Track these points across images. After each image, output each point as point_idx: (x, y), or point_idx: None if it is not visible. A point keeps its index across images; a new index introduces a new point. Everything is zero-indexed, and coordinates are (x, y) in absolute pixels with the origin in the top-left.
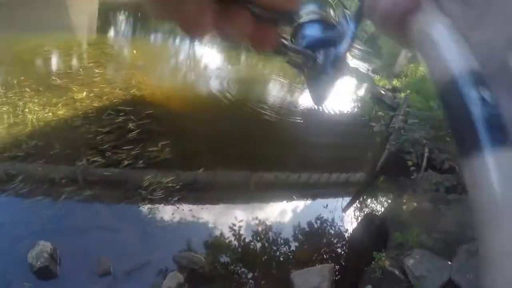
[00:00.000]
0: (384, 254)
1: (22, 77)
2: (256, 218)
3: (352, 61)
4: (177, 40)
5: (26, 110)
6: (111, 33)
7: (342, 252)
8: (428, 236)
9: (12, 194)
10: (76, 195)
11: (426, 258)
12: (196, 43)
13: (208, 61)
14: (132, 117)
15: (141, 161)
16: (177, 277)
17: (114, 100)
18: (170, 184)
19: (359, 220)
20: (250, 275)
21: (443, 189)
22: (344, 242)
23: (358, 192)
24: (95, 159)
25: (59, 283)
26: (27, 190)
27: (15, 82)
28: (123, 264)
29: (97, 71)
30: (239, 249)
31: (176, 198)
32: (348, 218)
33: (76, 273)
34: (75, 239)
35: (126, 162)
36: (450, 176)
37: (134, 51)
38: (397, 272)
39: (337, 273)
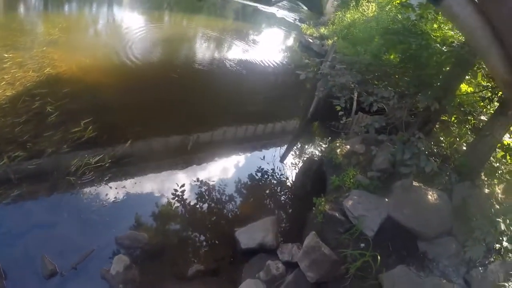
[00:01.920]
0: (323, 199)
1: None
2: (196, 179)
3: (279, 12)
4: (94, 7)
5: None
6: (19, 9)
7: (284, 202)
8: (364, 176)
9: None
10: (4, 198)
11: (363, 198)
12: (115, 7)
13: (129, 25)
14: (49, 99)
15: (65, 146)
16: (123, 260)
17: (28, 85)
18: (99, 164)
19: (297, 167)
20: (196, 240)
21: (372, 130)
22: (285, 191)
23: (294, 140)
24: (16, 154)
25: None
26: None
27: None
28: (68, 259)
29: (6, 55)
30: (182, 216)
31: (107, 177)
32: (287, 167)
33: (24, 282)
34: (14, 246)
35: (49, 150)
36: (379, 117)
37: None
38: (337, 215)
39: (280, 223)
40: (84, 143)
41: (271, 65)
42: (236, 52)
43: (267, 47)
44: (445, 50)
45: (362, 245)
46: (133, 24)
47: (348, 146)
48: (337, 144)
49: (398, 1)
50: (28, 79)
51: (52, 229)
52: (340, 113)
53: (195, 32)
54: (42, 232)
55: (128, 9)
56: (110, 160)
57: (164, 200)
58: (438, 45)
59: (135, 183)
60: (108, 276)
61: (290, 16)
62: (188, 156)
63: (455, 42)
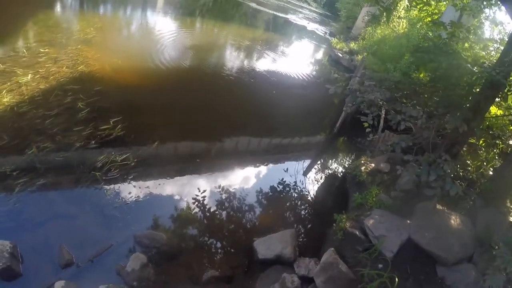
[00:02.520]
0: (344, 216)
1: None
2: (218, 186)
3: (310, 24)
4: (129, 10)
5: None
6: (57, 7)
7: (304, 215)
8: (387, 196)
9: None
10: (30, 186)
11: (385, 217)
12: (148, 11)
13: (161, 29)
14: (81, 96)
15: (93, 141)
16: (140, 258)
17: (61, 80)
18: (125, 162)
19: (320, 182)
20: (214, 246)
21: (398, 149)
22: (305, 205)
23: (318, 154)
24: (45, 145)
25: (24, 281)
26: None
27: None
28: (85, 251)
29: (42, 50)
30: (202, 220)
31: (132, 176)
32: (309, 181)
33: (40, 268)
34: (34, 232)
35: (77, 144)
36: (406, 137)
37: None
38: (357, 233)
39: (299, 237)
40: (111, 141)
41: (300, 77)
42: (265, 62)
43: (297, 59)
44: (476, 70)
45: (380, 265)
46: (165, 29)
47: (373, 164)
48: (362, 161)
49: (429, 19)
50: (61, 74)
51: (73, 220)
52: (368, 130)
53: (226, 40)
54: (63, 222)
55: (162, 13)
56: (135, 160)
57: (185, 204)
58: (469, 65)
59: (158, 184)
60: (123, 272)
61: (320, 29)
62: (211, 162)
63: (487, 62)
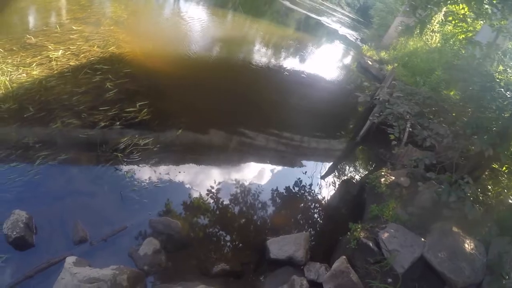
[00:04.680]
0: (360, 226)
1: None
2: (235, 180)
3: (342, 29)
4: None
5: None
6: None
7: (319, 220)
8: (404, 211)
9: None
10: (51, 159)
11: (400, 232)
12: None
13: (193, 18)
14: (110, 76)
15: (118, 123)
16: (153, 243)
17: (92, 59)
18: (147, 146)
19: (337, 188)
20: (227, 240)
21: (422, 165)
22: (320, 210)
23: (338, 160)
24: (70, 121)
25: (36, 252)
26: (0, 156)
27: None
28: (100, 230)
29: (74, 27)
30: (217, 213)
31: (153, 161)
32: (327, 186)
33: (53, 241)
34: (51, 206)
35: (102, 124)
36: (430, 154)
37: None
38: (371, 244)
39: (312, 241)
40: (136, 124)
41: (327, 80)
42: (293, 62)
43: (325, 62)
44: (508, 95)
45: (390, 280)
46: (197, 18)
47: (393, 177)
48: (382, 173)
49: (463, 36)
50: (92, 53)
51: (91, 198)
52: (393, 142)
53: (256, 35)
54: (80, 199)
55: (195, 3)
56: (158, 145)
57: (201, 194)
58: (502, 89)
59: (179, 171)
60: (135, 255)
61: (352, 35)
62: (231, 155)
63: None
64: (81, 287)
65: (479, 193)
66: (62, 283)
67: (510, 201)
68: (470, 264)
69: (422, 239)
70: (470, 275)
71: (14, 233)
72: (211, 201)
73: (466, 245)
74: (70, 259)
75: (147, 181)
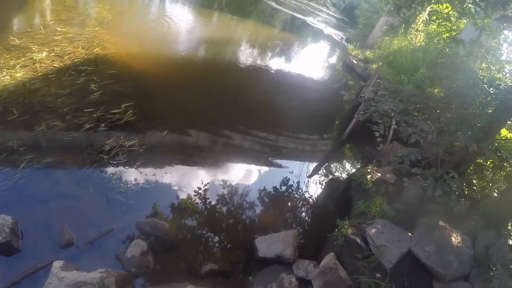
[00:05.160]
0: (347, 222)
1: None
2: (222, 180)
3: (327, 29)
4: None
5: None
6: None
7: (306, 218)
8: (390, 207)
9: None
10: (35, 163)
11: (387, 228)
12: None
13: (179, 19)
14: (94, 78)
15: (103, 124)
16: (141, 245)
17: (76, 60)
18: (133, 148)
19: (324, 186)
20: (215, 240)
21: (407, 162)
22: (308, 208)
23: (325, 158)
24: (55, 123)
25: (22, 257)
26: None
27: None
28: (86, 233)
29: (59, 29)
30: (205, 213)
31: (139, 162)
32: (313, 184)
33: (39, 246)
34: (36, 210)
35: (87, 126)
36: (415, 150)
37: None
38: (358, 241)
39: (300, 239)
40: (121, 125)
41: (313, 80)
42: (279, 62)
43: (310, 62)
44: (491, 91)
45: (378, 275)
46: (182, 19)
47: (379, 174)
48: (368, 170)
49: (447, 35)
50: (76, 54)
51: (77, 201)
52: (378, 139)
53: (242, 36)
54: (66, 202)
55: (180, 3)
56: (143, 146)
57: (188, 195)
58: (485, 85)
59: (165, 173)
60: (123, 257)
61: (337, 35)
62: (217, 155)
63: (502, 84)
64: None
65: (464, 188)
66: (50, 287)
67: (495, 194)
68: (458, 257)
69: (409, 234)
70: (458, 268)
71: (0, 239)
72: (199, 201)
73: (453, 239)
74: (57, 264)
75: (133, 183)
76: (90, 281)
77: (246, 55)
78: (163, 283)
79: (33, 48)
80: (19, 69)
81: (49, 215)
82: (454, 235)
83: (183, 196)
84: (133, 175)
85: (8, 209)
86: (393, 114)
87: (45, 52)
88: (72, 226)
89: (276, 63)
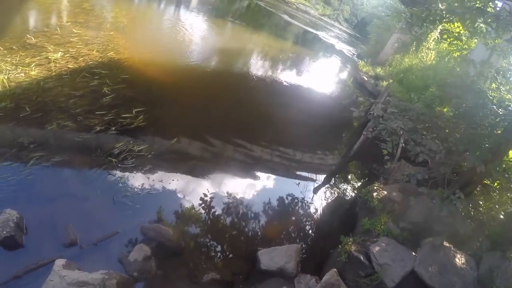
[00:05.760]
0: (351, 239)
1: None
2: (228, 191)
3: (339, 44)
4: (163, 4)
5: None
6: None
7: (310, 233)
8: (395, 226)
9: None
10: (45, 160)
11: (391, 246)
12: (182, 8)
13: (193, 27)
14: (108, 81)
15: (113, 128)
16: (144, 250)
17: (90, 62)
18: (142, 153)
19: (329, 202)
20: (218, 250)
21: (414, 181)
22: (312, 223)
23: (331, 173)
24: (66, 123)
25: (24, 253)
26: None
27: None
28: (90, 234)
29: (75, 30)
30: (209, 222)
31: (147, 168)
32: (319, 199)
33: (42, 243)
34: (43, 207)
35: (98, 128)
36: (423, 169)
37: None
38: (362, 258)
39: (303, 253)
40: (132, 130)
41: (323, 95)
42: (289, 75)
43: (322, 77)
44: (500, 112)
45: None
46: (196, 28)
47: (385, 192)
48: (375, 187)
49: (458, 54)
50: (91, 57)
51: (83, 202)
52: (386, 157)
53: (254, 47)
54: (72, 202)
55: (195, 12)
56: (152, 152)
57: (193, 203)
58: (494, 106)
59: (172, 180)
60: (125, 261)
61: (349, 50)
62: (225, 167)
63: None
64: None
65: (470, 208)
66: (51, 285)
67: (501, 216)
68: (461, 278)
69: (413, 253)
70: None
71: (4, 233)
72: (203, 210)
73: (457, 260)
74: (59, 262)
75: (140, 188)
76: (92, 281)
77: (257, 67)
78: None
79: (49, 48)
80: (34, 67)
81: (55, 213)
82: (459, 256)
83: (188, 204)
84: (140, 180)
85: (14, 204)
86: (401, 132)
87: (60, 52)
88: (77, 226)
89: (287, 76)
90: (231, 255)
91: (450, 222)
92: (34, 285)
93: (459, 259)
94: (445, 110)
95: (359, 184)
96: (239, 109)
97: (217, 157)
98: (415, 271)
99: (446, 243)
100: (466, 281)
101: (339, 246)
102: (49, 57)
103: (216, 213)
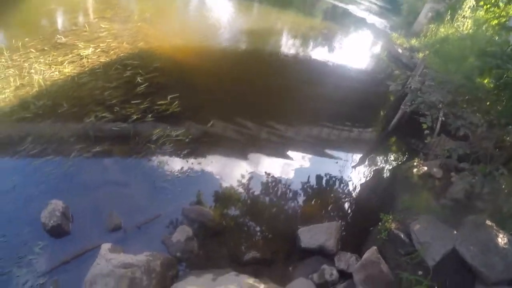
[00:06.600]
0: (391, 217)
1: (27, 39)
2: (265, 171)
3: (370, 17)
4: None
5: (32, 71)
6: None
7: (349, 210)
8: (436, 203)
9: (23, 155)
10: (85, 152)
11: (432, 224)
12: None
13: (219, 11)
14: (140, 71)
15: (150, 115)
16: (186, 231)
17: (121, 55)
18: (179, 138)
19: (368, 179)
20: (257, 229)
21: (455, 156)
22: (351, 200)
23: (369, 150)
24: (103, 114)
25: (72, 240)
26: (37, 150)
27: (20, 44)
28: (134, 218)
29: (103, 26)
30: (248, 202)
31: (185, 152)
32: (357, 176)
33: (88, 230)
34: (86, 196)
35: (134, 117)
36: (464, 144)
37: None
38: (402, 236)
39: (343, 231)
40: (167, 116)
41: (357, 70)
42: (322, 53)
43: (354, 51)
44: None
45: (420, 272)
46: (223, 11)
47: (425, 168)
48: (414, 164)
49: (496, 21)
50: (121, 49)
51: (125, 188)
52: (426, 132)
53: (282, 26)
54: (114, 189)
55: None
56: (190, 136)
57: (232, 184)
58: None
59: (211, 162)
60: (168, 242)
61: (380, 23)
62: (262, 147)
63: None
64: (116, 272)
65: None
66: (98, 268)
67: None
68: (503, 259)
69: (455, 232)
70: (503, 270)
71: (51, 222)
72: (242, 191)
73: (500, 240)
74: (105, 246)
75: (179, 172)
76: (137, 263)
77: (288, 46)
78: (206, 269)
79: (79, 45)
80: (67, 65)
81: (98, 201)
82: (501, 235)
83: (227, 185)
84: (179, 164)
85: (60, 194)
86: (440, 105)
87: (91, 48)
88: (120, 211)
89: (318, 54)
90: (271, 234)
91: (492, 199)
92: (82, 269)
93: (502, 239)
94: (485, 81)
95: (398, 160)
96: (272, 89)
97: (253, 139)
98: (456, 249)
99: (488, 222)
100: (508, 262)
101: (379, 223)
102: (81, 54)
103: (255, 193)
